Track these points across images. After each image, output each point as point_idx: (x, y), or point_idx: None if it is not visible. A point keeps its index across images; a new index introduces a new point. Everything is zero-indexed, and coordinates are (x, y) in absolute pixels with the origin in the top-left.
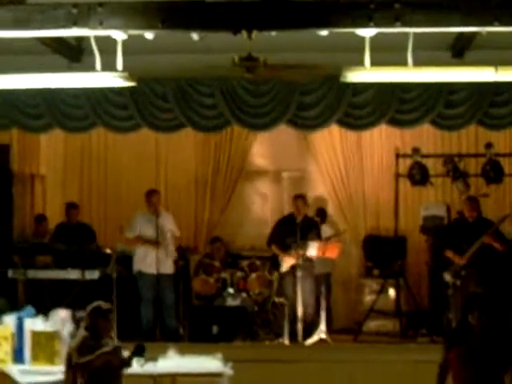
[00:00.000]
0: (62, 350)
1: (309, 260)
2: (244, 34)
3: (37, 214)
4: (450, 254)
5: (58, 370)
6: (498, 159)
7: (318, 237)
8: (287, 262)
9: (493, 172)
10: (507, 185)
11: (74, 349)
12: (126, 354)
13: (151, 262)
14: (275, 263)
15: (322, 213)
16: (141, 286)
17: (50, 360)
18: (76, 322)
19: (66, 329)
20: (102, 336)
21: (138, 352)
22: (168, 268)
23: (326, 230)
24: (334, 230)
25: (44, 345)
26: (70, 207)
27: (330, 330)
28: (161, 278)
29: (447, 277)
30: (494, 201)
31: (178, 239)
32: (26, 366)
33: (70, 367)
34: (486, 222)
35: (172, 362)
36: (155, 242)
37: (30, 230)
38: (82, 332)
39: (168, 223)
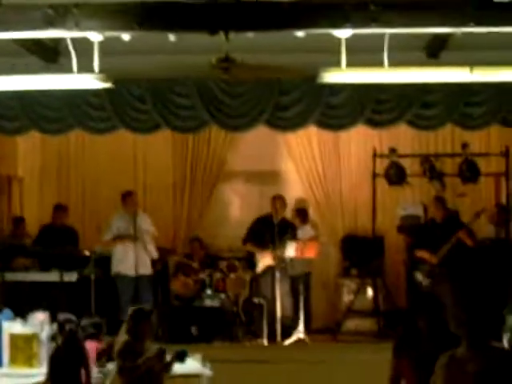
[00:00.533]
0: (41, 352)
1: (283, 260)
2: (221, 35)
3: (14, 216)
4: (422, 253)
5: (37, 373)
6: (473, 159)
7: (294, 239)
8: (263, 262)
9: (469, 172)
10: (483, 184)
11: (116, 354)
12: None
13: (130, 263)
14: (250, 263)
15: (302, 213)
16: (119, 287)
17: (29, 363)
18: (58, 324)
19: (45, 331)
20: (144, 339)
21: (180, 357)
22: (146, 269)
23: (307, 231)
24: (315, 231)
25: (22, 347)
26: (58, 209)
27: (308, 329)
28: (139, 279)
29: (419, 276)
30: (470, 200)
31: (156, 239)
32: (4, 369)
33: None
34: (454, 221)
35: None
36: (133, 238)
37: (7, 231)
38: (123, 336)
39: (145, 223)
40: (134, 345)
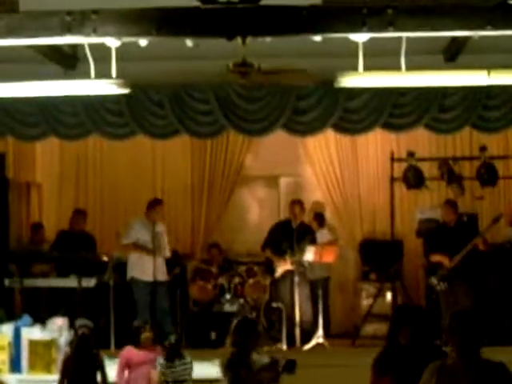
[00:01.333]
0: (59, 358)
1: (302, 265)
2: (238, 40)
3: (33, 222)
4: (436, 257)
5: (56, 379)
6: (492, 162)
7: (313, 243)
8: (281, 267)
9: (487, 175)
10: (502, 187)
11: (225, 366)
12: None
13: (146, 269)
14: (269, 268)
15: (319, 217)
16: (135, 293)
17: (47, 369)
18: (74, 330)
19: (63, 337)
20: (251, 350)
21: (289, 368)
22: (163, 275)
23: (324, 234)
24: (332, 235)
25: (41, 353)
26: (77, 214)
27: (327, 334)
28: (156, 285)
29: (434, 281)
30: (489, 203)
31: (175, 244)
32: (24, 375)
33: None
34: (466, 225)
35: None
36: (151, 251)
37: (26, 238)
38: (229, 348)
39: (164, 233)
40: (241, 356)
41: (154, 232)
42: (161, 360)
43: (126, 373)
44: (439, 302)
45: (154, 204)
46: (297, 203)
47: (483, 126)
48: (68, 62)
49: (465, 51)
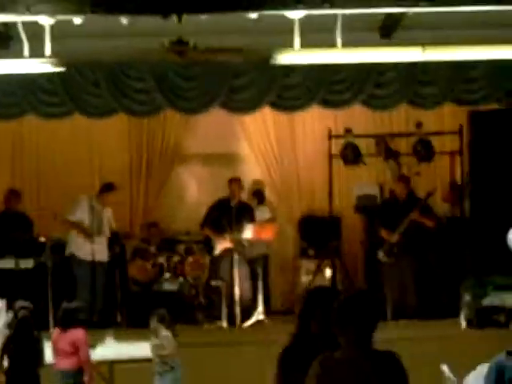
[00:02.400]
0: None
1: (241, 243)
2: (174, 17)
3: None
4: (383, 232)
5: None
6: (428, 138)
7: (252, 221)
8: (221, 245)
9: (423, 151)
10: (438, 163)
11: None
12: None
13: (86, 248)
14: (208, 246)
15: (259, 194)
16: (75, 270)
17: None
18: (13, 311)
19: (2, 319)
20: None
21: None
22: (103, 255)
23: (263, 212)
24: (272, 212)
25: None
26: (11, 194)
27: (268, 311)
28: (95, 265)
29: (380, 255)
30: (425, 179)
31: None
32: None
33: None
34: (416, 200)
35: (110, 348)
36: (89, 234)
37: None
38: None
39: (108, 214)
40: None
41: (99, 215)
42: None
43: None
44: (380, 276)
45: (106, 189)
46: (235, 181)
47: (419, 102)
48: (1, 40)
49: (400, 27)
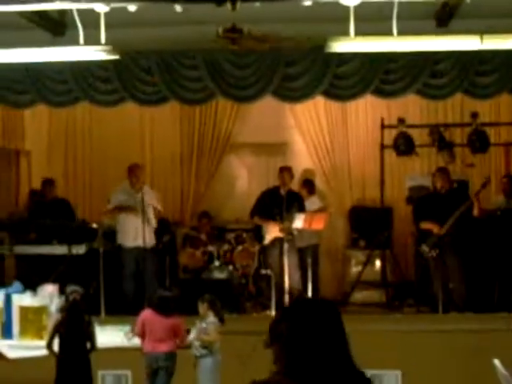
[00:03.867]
0: (50, 324)
1: (291, 232)
2: (228, 5)
3: (31, 190)
4: (427, 225)
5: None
6: (483, 129)
7: (302, 210)
8: (271, 234)
9: (478, 142)
10: (492, 154)
11: None
12: None
13: (132, 235)
14: (258, 235)
15: (309, 184)
16: (123, 259)
17: (38, 335)
18: (65, 296)
19: (54, 303)
20: None
21: None
22: (150, 242)
23: (314, 201)
24: (322, 202)
25: (32, 320)
26: (45, 183)
27: None
28: (143, 250)
29: (425, 248)
30: (480, 170)
31: (159, 214)
32: (15, 341)
33: None
34: (458, 192)
35: None
36: (135, 209)
37: (19, 205)
38: None
39: (149, 197)
40: None
41: (139, 198)
42: None
43: None
44: (429, 269)
45: (131, 169)
46: (286, 170)
47: (475, 92)
48: (57, 28)
49: (457, 16)
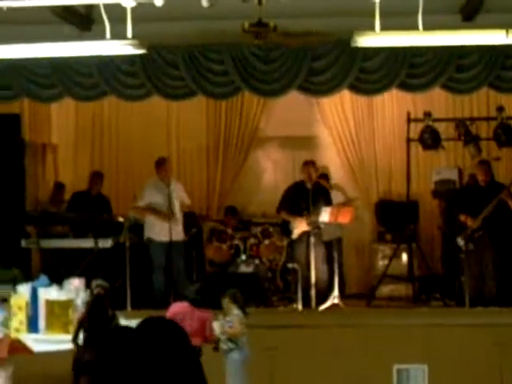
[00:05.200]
0: (75, 318)
1: (318, 226)
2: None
3: (56, 182)
4: (463, 217)
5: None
6: (509, 122)
7: (328, 203)
8: (298, 229)
9: (504, 135)
10: None
11: None
12: None
13: (161, 229)
14: (285, 230)
15: (324, 178)
16: (152, 253)
17: (64, 329)
18: (90, 290)
19: (80, 297)
20: None
21: None
22: (178, 235)
23: (336, 195)
24: (344, 194)
25: (58, 314)
26: (96, 176)
27: (342, 295)
28: (171, 245)
29: (460, 241)
30: (505, 164)
31: (188, 207)
32: (41, 335)
33: None
34: (498, 186)
35: None
36: (165, 214)
37: (43, 198)
38: None
39: (178, 191)
40: None
41: (168, 192)
42: None
43: None
44: (459, 262)
45: (160, 163)
46: (310, 164)
47: (501, 86)
48: (83, 23)
49: (482, 10)
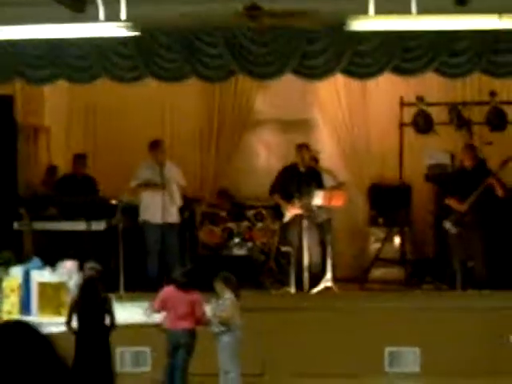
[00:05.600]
0: (68, 300)
1: (311, 209)
2: None
3: (48, 165)
4: (450, 201)
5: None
6: (501, 107)
7: (321, 186)
8: (290, 212)
9: (496, 120)
10: (510, 132)
11: None
12: None
13: (156, 211)
14: (278, 213)
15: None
16: (146, 235)
17: (57, 311)
18: (83, 272)
19: (73, 280)
20: None
21: None
22: (173, 217)
23: (326, 179)
24: (332, 179)
25: (50, 296)
26: (79, 158)
27: (335, 278)
28: (166, 227)
29: (447, 225)
30: (497, 148)
31: (183, 189)
32: (33, 318)
33: None
34: (484, 170)
35: None
36: (159, 186)
37: (36, 181)
38: None
39: (173, 173)
40: None
41: (163, 173)
42: None
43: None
44: (448, 246)
45: (153, 145)
46: (304, 147)
47: (493, 71)
48: (77, 4)
49: None
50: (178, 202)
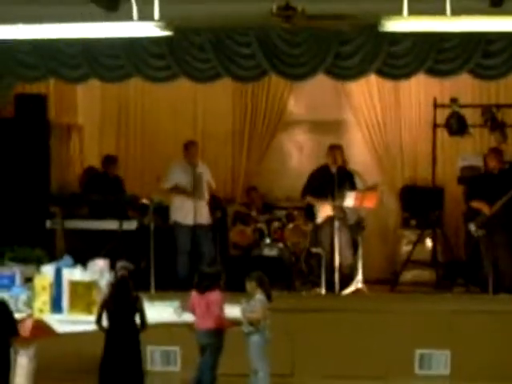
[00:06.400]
0: (99, 299)
1: (343, 210)
2: None
3: (87, 166)
4: (477, 204)
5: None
6: None
7: (353, 188)
8: (323, 213)
9: None
10: None
11: None
12: None
13: (188, 212)
14: (310, 214)
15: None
16: (177, 236)
17: (88, 309)
18: (114, 271)
19: (104, 278)
20: None
21: None
22: (205, 218)
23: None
24: (363, 180)
25: (82, 294)
26: (109, 160)
27: (366, 280)
28: (198, 228)
29: (472, 227)
30: None
31: (213, 191)
32: (64, 316)
33: None
34: (510, 173)
35: None
36: (191, 193)
37: (71, 180)
38: None
39: (205, 174)
40: None
41: (195, 174)
42: None
43: None
44: (479, 249)
45: (188, 146)
46: (336, 148)
47: None
48: (110, 3)
49: None
50: (206, 201)
